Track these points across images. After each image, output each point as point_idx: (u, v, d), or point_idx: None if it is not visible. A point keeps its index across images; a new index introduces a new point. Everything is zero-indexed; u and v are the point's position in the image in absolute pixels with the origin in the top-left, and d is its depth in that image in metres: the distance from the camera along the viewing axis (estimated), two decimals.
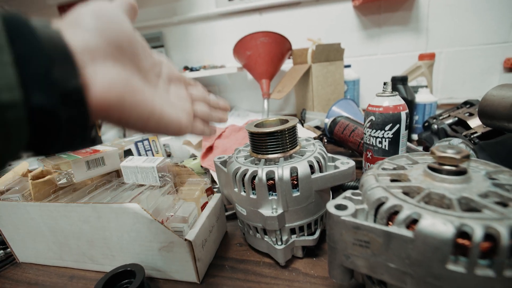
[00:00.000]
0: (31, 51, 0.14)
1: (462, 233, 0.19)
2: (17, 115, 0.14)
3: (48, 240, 0.40)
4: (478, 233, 0.18)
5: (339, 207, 0.25)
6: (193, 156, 0.69)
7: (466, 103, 0.64)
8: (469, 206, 0.21)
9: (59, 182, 0.41)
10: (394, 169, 0.28)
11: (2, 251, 0.45)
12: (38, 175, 0.42)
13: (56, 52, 0.15)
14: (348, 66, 1.04)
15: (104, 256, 0.38)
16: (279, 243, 0.34)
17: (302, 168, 0.31)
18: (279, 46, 0.96)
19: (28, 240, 0.41)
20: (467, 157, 0.22)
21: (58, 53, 0.16)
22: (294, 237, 0.34)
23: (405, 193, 0.24)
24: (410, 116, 0.79)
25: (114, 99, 0.19)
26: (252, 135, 0.35)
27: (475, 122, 0.54)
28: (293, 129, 0.35)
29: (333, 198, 0.42)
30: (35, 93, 0.14)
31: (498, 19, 0.97)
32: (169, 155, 0.68)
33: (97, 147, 0.47)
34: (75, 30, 0.18)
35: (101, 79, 0.18)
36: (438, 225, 0.19)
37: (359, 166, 0.62)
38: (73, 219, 0.36)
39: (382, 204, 0.23)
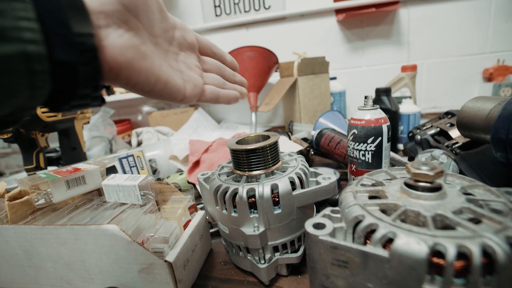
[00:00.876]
0: (52, 8, 0.16)
1: (437, 252, 0.19)
2: (43, 67, 0.15)
3: (23, 264, 0.38)
4: (451, 252, 0.18)
5: (318, 226, 0.24)
6: (180, 171, 0.69)
7: (447, 113, 0.66)
8: (443, 223, 0.21)
9: (37, 203, 0.40)
10: (373, 185, 0.28)
11: None
12: (16, 195, 0.40)
13: (74, 11, 0.17)
14: (334, 78, 1.06)
15: (82, 280, 0.36)
16: (262, 261, 0.33)
17: (283, 185, 0.31)
18: (266, 60, 0.98)
19: (2, 264, 0.39)
20: (441, 173, 0.23)
21: (77, 13, 0.17)
22: (277, 255, 0.34)
23: (383, 211, 0.24)
24: (395, 126, 0.81)
25: (124, 63, 0.20)
26: (234, 152, 0.35)
27: (455, 133, 0.56)
28: (274, 145, 0.35)
29: (317, 212, 0.42)
30: (57, 47, 0.16)
31: (476, 32, 1.01)
32: (155, 171, 0.67)
33: (78, 165, 0.45)
34: None
35: (113, 43, 0.19)
36: (412, 244, 0.19)
37: (345, 178, 0.63)
38: (49, 241, 0.35)
39: (359, 222, 0.23)
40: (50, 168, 0.59)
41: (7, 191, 0.45)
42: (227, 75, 0.33)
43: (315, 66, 0.94)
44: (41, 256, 0.37)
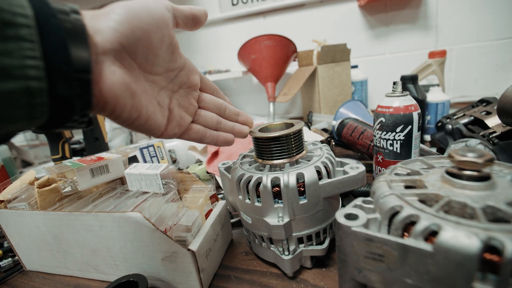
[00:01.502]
0: (57, 46, 0.17)
1: (490, 248, 0.17)
2: (42, 101, 0.17)
3: (53, 249, 0.40)
4: (509, 247, 0.16)
5: (349, 216, 0.23)
6: (199, 162, 0.69)
7: (482, 101, 0.61)
8: (495, 216, 0.19)
9: (64, 190, 0.41)
10: (408, 174, 0.26)
11: (10, 259, 0.45)
12: (44, 183, 0.42)
13: (78, 47, 0.18)
14: (355, 66, 1.01)
15: (108, 266, 0.37)
16: (286, 253, 0.32)
17: (309, 174, 0.30)
18: (284, 48, 0.95)
19: (34, 248, 0.41)
20: (490, 161, 0.21)
21: (79, 49, 0.18)
22: (302, 246, 0.33)
23: (422, 201, 0.22)
24: (422, 116, 0.77)
25: (111, 99, 0.21)
26: (256, 140, 0.33)
27: (493, 121, 0.52)
28: (298, 133, 0.33)
29: (342, 205, 0.40)
30: (58, 83, 0.17)
31: (511, 13, 0.93)
32: (174, 161, 0.67)
33: (102, 154, 0.46)
34: (99, 22, 0.20)
35: (105, 79, 0.20)
36: (461, 238, 0.17)
37: (369, 170, 0.60)
38: (76, 228, 0.36)
39: (396, 213, 0.21)
40: (74, 158, 0.61)
41: (36, 179, 0.46)
42: (228, 114, 0.33)
43: (336, 54, 0.91)
44: (69, 242, 0.38)
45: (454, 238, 0.17)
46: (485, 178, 0.21)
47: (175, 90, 0.28)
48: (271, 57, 0.94)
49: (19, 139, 1.44)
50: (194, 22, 0.27)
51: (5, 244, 0.49)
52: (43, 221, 0.37)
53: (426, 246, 0.18)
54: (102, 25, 0.20)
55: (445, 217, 0.19)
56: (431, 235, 0.19)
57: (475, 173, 0.21)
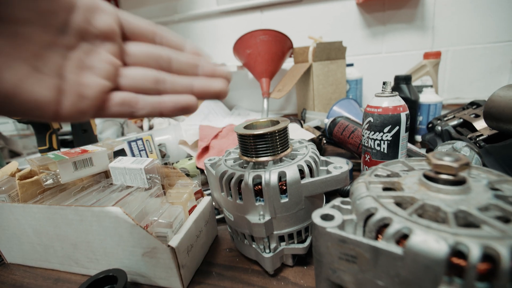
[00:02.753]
0: None
1: (458, 252, 0.17)
2: None
3: (33, 242, 0.39)
4: (475, 253, 0.16)
5: (326, 217, 0.23)
6: (189, 156, 0.68)
7: (472, 103, 0.61)
8: (467, 221, 0.19)
9: (45, 183, 0.40)
10: (388, 176, 0.26)
11: None
12: (26, 175, 0.41)
13: None
14: (351, 64, 1.01)
15: (88, 260, 0.37)
16: (267, 251, 0.32)
17: (291, 173, 0.30)
18: (280, 44, 0.94)
19: (14, 241, 0.41)
20: (466, 166, 0.20)
21: None
22: (283, 244, 0.33)
23: (398, 204, 0.22)
24: (413, 116, 0.77)
25: None
26: (241, 137, 0.33)
27: (481, 124, 0.52)
28: (283, 131, 0.33)
29: (327, 203, 0.40)
30: None
31: (507, 16, 0.93)
32: (164, 156, 0.66)
33: (87, 147, 0.45)
34: None
35: None
36: (430, 242, 0.17)
37: (358, 169, 0.60)
38: (56, 221, 0.35)
39: (371, 215, 0.21)
40: (62, 150, 0.60)
41: (19, 170, 0.45)
42: (178, 67, 0.21)
43: (331, 51, 0.90)
44: (49, 235, 0.37)
45: (423, 242, 0.17)
46: (460, 182, 0.21)
47: (71, 44, 0.18)
48: (266, 52, 0.93)
49: (10, 129, 1.42)
50: None
51: None
52: (23, 214, 0.37)
53: (397, 249, 0.18)
54: None
55: (417, 220, 0.19)
56: (403, 238, 0.19)
57: (450, 177, 0.21)
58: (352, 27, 1.08)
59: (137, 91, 0.20)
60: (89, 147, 0.45)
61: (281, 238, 0.33)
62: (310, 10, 1.09)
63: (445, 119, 0.62)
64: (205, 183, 0.60)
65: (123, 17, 0.20)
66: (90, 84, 0.19)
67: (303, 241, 0.33)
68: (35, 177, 0.41)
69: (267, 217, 0.30)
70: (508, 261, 0.15)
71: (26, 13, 0.16)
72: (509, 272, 0.15)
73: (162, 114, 0.21)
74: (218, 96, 0.22)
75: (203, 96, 0.22)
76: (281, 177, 0.30)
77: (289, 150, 0.34)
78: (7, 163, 0.84)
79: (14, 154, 0.93)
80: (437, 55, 0.85)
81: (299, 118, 0.97)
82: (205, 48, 1.28)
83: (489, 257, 0.16)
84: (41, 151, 0.65)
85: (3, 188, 0.40)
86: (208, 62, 0.22)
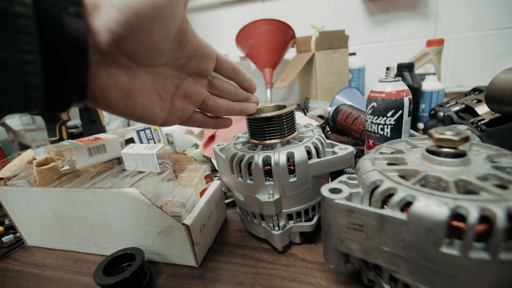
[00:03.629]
0: (57, 43, 0.16)
1: (457, 216, 0.18)
2: (38, 95, 0.16)
3: (53, 225, 0.41)
4: (473, 215, 0.17)
5: (334, 190, 0.24)
6: (195, 145, 0.70)
7: (474, 89, 0.62)
8: (466, 189, 0.20)
9: (62, 169, 0.42)
10: (392, 153, 0.27)
11: (12, 235, 0.46)
12: (43, 162, 0.43)
13: (77, 47, 0.16)
14: (353, 54, 1.01)
15: (106, 240, 0.39)
16: (276, 228, 0.34)
17: (299, 153, 0.31)
18: (282, 34, 0.94)
19: (34, 224, 0.43)
20: (466, 139, 0.22)
21: (79, 49, 0.17)
22: (291, 223, 0.34)
23: (401, 176, 0.23)
24: (416, 104, 0.77)
25: (103, 100, 0.20)
26: (250, 120, 0.34)
27: (483, 109, 0.53)
28: (291, 114, 0.34)
29: None
30: (54, 80, 0.16)
31: (511, 3, 0.92)
32: (171, 144, 0.68)
33: (99, 135, 0.47)
34: (97, 18, 0.17)
35: (99, 82, 0.19)
36: (432, 207, 0.18)
37: (361, 155, 0.62)
38: (75, 204, 0.37)
39: (377, 187, 0.23)
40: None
41: (35, 158, 0.47)
42: (239, 99, 0.31)
43: (334, 40, 0.90)
44: (68, 218, 0.39)
45: (426, 207, 0.19)
46: (461, 155, 0.22)
47: (182, 78, 0.26)
48: (269, 42, 0.94)
49: (15, 123, 1.43)
50: None
51: (6, 222, 0.51)
52: (43, 198, 0.39)
53: (401, 215, 0.20)
54: (99, 22, 0.17)
55: (420, 189, 0.20)
56: (406, 206, 0.20)
57: (451, 150, 0.22)
58: (354, 15, 1.07)
59: (210, 113, 0.30)
60: (101, 135, 0.46)
61: (290, 216, 0.34)
62: None
63: (448, 105, 0.63)
64: (213, 171, 0.62)
65: (218, 58, 0.28)
66: (187, 110, 0.27)
67: (310, 220, 0.35)
68: (51, 164, 0.42)
69: (277, 196, 0.32)
70: (503, 221, 0.17)
71: (167, 60, 0.23)
72: (503, 231, 0.17)
73: (214, 128, 0.32)
74: (249, 112, 0.33)
75: (243, 113, 0.32)
76: (289, 157, 0.31)
77: (296, 133, 0.35)
78: (18, 155, 0.86)
79: (24, 147, 0.95)
80: (440, 42, 0.85)
81: (302, 107, 0.98)
82: (207, 39, 1.28)
83: (486, 218, 0.18)
84: (52, 142, 0.67)
85: (22, 174, 0.42)
86: (254, 96, 0.33)
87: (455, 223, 0.18)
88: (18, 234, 0.46)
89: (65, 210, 0.38)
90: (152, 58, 0.21)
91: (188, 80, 0.26)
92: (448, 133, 0.22)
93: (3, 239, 0.46)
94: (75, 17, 0.16)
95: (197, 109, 0.29)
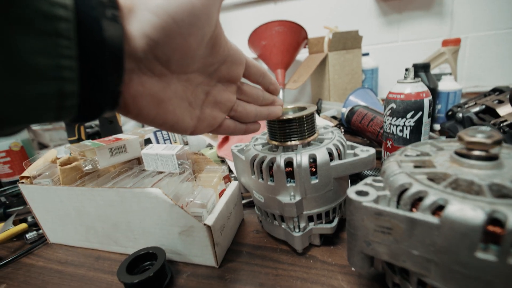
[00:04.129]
0: (95, 48, 0.15)
1: (493, 220, 0.18)
2: (72, 103, 0.15)
3: (75, 223, 0.42)
4: (511, 220, 0.17)
5: (360, 193, 0.24)
6: (210, 146, 0.70)
7: (495, 90, 0.60)
8: (500, 193, 0.20)
9: (85, 168, 0.43)
10: (418, 155, 0.27)
11: (35, 232, 0.48)
12: (66, 161, 0.44)
13: (114, 53, 0.16)
14: (366, 54, 1.00)
15: (127, 239, 0.40)
16: (297, 230, 0.34)
17: (321, 155, 0.31)
18: (295, 35, 0.94)
19: (57, 222, 0.44)
20: (499, 142, 0.21)
21: (115, 55, 0.16)
22: (311, 224, 0.34)
23: (430, 179, 0.23)
24: (432, 104, 0.76)
25: (134, 109, 0.20)
26: (270, 122, 0.35)
27: (505, 110, 0.51)
28: (311, 116, 0.34)
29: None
30: (90, 87, 0.16)
31: None
32: (186, 144, 0.69)
33: (119, 135, 0.48)
34: (132, 22, 0.17)
35: (132, 90, 0.19)
36: (467, 210, 0.18)
37: (378, 157, 0.61)
38: (98, 203, 0.38)
39: (405, 190, 0.22)
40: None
41: (57, 158, 0.48)
42: (265, 103, 0.31)
43: (347, 41, 0.90)
44: (91, 216, 0.40)
45: (460, 210, 0.18)
46: (493, 158, 0.22)
47: (212, 84, 0.25)
48: (281, 44, 0.94)
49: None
50: None
51: (29, 219, 0.52)
52: (67, 196, 0.40)
53: (433, 219, 0.20)
54: (134, 27, 0.17)
55: (452, 192, 0.20)
56: (437, 209, 0.20)
57: (483, 153, 0.22)
58: (367, 16, 1.06)
59: (240, 120, 0.29)
60: (121, 136, 0.47)
61: (310, 218, 0.34)
62: (324, 0, 1.09)
63: (466, 106, 0.61)
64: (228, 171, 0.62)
65: (247, 63, 0.27)
66: (216, 118, 0.26)
67: (330, 222, 0.35)
68: (74, 163, 0.43)
69: (298, 197, 0.32)
70: None
71: (199, 66, 0.22)
72: None
73: (244, 133, 0.30)
74: (276, 116, 0.32)
75: (270, 117, 0.31)
76: (311, 159, 0.31)
77: (316, 135, 0.35)
78: (37, 153, 0.89)
79: (42, 146, 0.98)
80: (457, 42, 0.83)
81: None
82: None
83: None
84: (71, 142, 0.68)
85: (47, 173, 0.43)
86: (278, 99, 0.32)
87: (491, 227, 0.18)
88: (41, 231, 0.47)
89: (88, 209, 0.39)
90: (186, 65, 0.21)
91: (218, 86, 0.25)
92: (479, 136, 0.22)
93: (26, 235, 0.47)
94: (112, 22, 0.16)
95: (226, 116, 0.28)
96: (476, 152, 0.22)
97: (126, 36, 0.17)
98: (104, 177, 0.43)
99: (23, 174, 0.43)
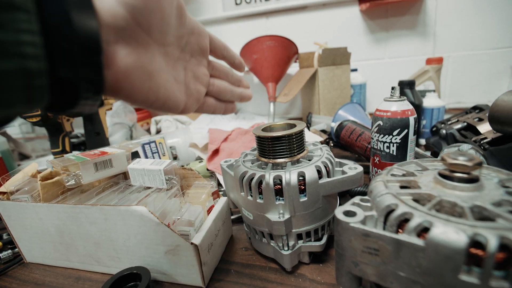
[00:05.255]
0: (59, 21, 0.14)
1: (476, 243, 0.18)
2: (42, 83, 0.14)
3: (55, 241, 0.40)
4: (492, 243, 0.17)
5: (348, 213, 0.24)
6: (199, 159, 0.70)
7: (475, 108, 0.63)
8: (481, 215, 0.20)
9: (68, 184, 0.41)
10: (404, 175, 0.28)
11: (10, 251, 0.45)
12: (47, 176, 0.42)
13: (84, 24, 0.15)
14: (355, 70, 1.03)
15: (110, 258, 0.38)
16: (286, 248, 0.34)
17: (310, 173, 0.31)
18: (286, 49, 0.96)
19: (35, 240, 0.42)
20: (479, 165, 0.22)
21: (87, 26, 0.15)
22: (300, 242, 0.34)
23: (416, 200, 0.23)
24: (417, 120, 0.79)
25: (127, 84, 0.19)
26: (260, 139, 0.35)
27: (484, 128, 0.54)
28: (300, 133, 0.34)
29: (340, 204, 0.41)
30: (60, 64, 0.15)
31: (507, 24, 0.96)
32: (175, 158, 0.68)
33: (105, 149, 0.47)
34: None
35: (119, 62, 0.18)
36: (450, 233, 0.18)
37: (366, 171, 0.62)
38: (80, 220, 0.37)
39: (391, 211, 0.23)
40: (74, 152, 0.62)
41: (38, 171, 0.47)
42: (233, 81, 0.31)
43: (336, 57, 0.92)
44: (72, 234, 0.38)
45: (444, 233, 0.19)
46: (474, 180, 0.23)
47: (187, 59, 0.25)
48: (272, 58, 0.96)
49: (15, 132, 1.43)
50: None
51: (5, 236, 0.49)
52: (47, 213, 0.38)
53: (418, 241, 0.20)
54: None
55: (436, 215, 0.20)
56: (423, 231, 0.20)
57: (465, 175, 0.22)
58: (356, 33, 1.10)
59: (218, 98, 0.30)
60: (107, 149, 0.46)
61: (299, 236, 0.34)
62: (315, 16, 1.12)
63: (449, 122, 0.63)
64: (217, 185, 0.62)
65: (210, 36, 0.28)
66: (200, 91, 0.27)
67: (319, 239, 0.35)
68: (56, 178, 0.42)
69: (287, 216, 0.32)
70: None
71: (172, 38, 0.23)
72: None
73: (224, 113, 0.32)
74: (249, 98, 0.33)
75: (244, 101, 0.33)
76: (300, 177, 0.32)
77: (305, 152, 0.36)
78: (18, 165, 0.86)
79: (24, 157, 0.94)
80: (439, 60, 0.87)
81: (304, 121, 0.99)
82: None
83: (504, 247, 0.18)
84: (54, 153, 0.66)
85: (26, 189, 0.42)
86: (245, 81, 0.33)
87: (473, 250, 0.18)
88: (16, 249, 0.45)
89: (69, 227, 0.38)
90: (165, 32, 0.21)
91: (192, 61, 0.26)
92: (461, 158, 0.22)
93: (0, 255, 0.45)
94: (82, 4, 0.15)
95: (207, 95, 0.29)
96: (458, 174, 0.23)
97: (102, 5, 0.16)
98: (88, 193, 0.42)
99: (0, 190, 0.41)
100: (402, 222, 0.22)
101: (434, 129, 0.69)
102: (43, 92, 0.15)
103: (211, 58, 0.30)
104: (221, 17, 1.19)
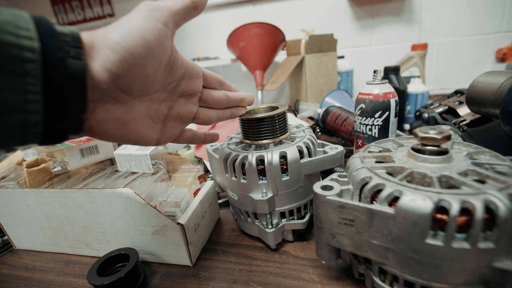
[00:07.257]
0: (59, 83, 0.17)
1: (441, 208, 0.20)
2: (37, 131, 0.17)
3: (43, 227, 0.40)
4: (455, 207, 0.19)
5: (325, 187, 0.25)
6: (187, 146, 0.70)
7: (456, 92, 0.65)
8: (449, 184, 0.22)
9: (54, 170, 0.41)
10: (380, 151, 0.29)
11: None
12: (33, 163, 0.42)
13: (77, 87, 0.18)
14: (342, 57, 1.04)
15: (99, 241, 0.39)
16: (269, 226, 0.35)
17: (291, 153, 0.32)
18: (273, 37, 0.96)
19: (24, 227, 0.42)
20: (448, 138, 0.23)
21: (78, 89, 0.18)
22: (284, 221, 0.35)
23: (389, 173, 0.24)
24: (402, 106, 0.80)
25: (100, 132, 0.21)
26: (243, 121, 0.35)
27: (464, 110, 0.55)
28: (283, 115, 0.35)
29: None
30: (54, 117, 0.17)
31: (490, 10, 0.97)
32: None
33: None
34: (95, 58, 0.19)
35: (96, 116, 0.20)
36: (417, 200, 0.20)
37: (350, 155, 0.64)
38: (67, 205, 0.37)
39: (366, 183, 0.24)
40: None
41: (24, 159, 0.46)
42: (230, 105, 0.32)
43: (323, 44, 0.93)
44: (60, 219, 0.39)
45: (412, 201, 0.20)
46: (443, 152, 0.24)
47: (174, 100, 0.27)
48: (259, 45, 0.95)
49: None
50: (196, 10, 0.25)
51: None
52: (34, 199, 0.38)
53: (389, 210, 0.21)
54: (96, 63, 0.19)
55: (406, 184, 0.21)
56: (394, 201, 0.22)
57: (435, 148, 0.24)
58: (342, 20, 1.10)
59: (203, 124, 0.31)
60: None
61: (282, 215, 0.35)
62: (301, 3, 1.11)
63: (432, 107, 0.65)
64: (205, 172, 0.62)
65: (204, 74, 0.29)
66: (177, 128, 0.28)
67: (302, 217, 0.36)
68: (42, 165, 0.42)
69: (270, 194, 0.33)
70: (481, 212, 0.18)
71: (159, 87, 0.24)
72: (482, 222, 0.18)
73: (203, 143, 0.33)
74: (240, 115, 0.34)
75: (235, 117, 0.34)
76: (282, 157, 0.32)
77: (288, 133, 0.36)
78: (3, 156, 0.84)
79: (9, 149, 0.92)
80: (424, 47, 0.88)
81: (292, 109, 1.00)
82: (199, 41, 1.28)
83: (466, 211, 0.19)
84: None
85: (12, 176, 0.41)
86: (247, 96, 0.34)
87: (439, 215, 0.20)
88: (5, 237, 0.45)
89: (56, 212, 0.38)
90: (146, 89, 0.23)
91: (180, 101, 0.27)
92: (431, 132, 0.24)
93: None
94: (76, 59, 0.17)
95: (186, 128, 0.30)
96: (429, 147, 0.24)
97: (89, 71, 0.19)
98: (75, 179, 0.42)
99: None
100: (376, 194, 0.23)
101: (418, 113, 0.70)
102: (36, 137, 0.17)
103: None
104: (209, 5, 1.17)
